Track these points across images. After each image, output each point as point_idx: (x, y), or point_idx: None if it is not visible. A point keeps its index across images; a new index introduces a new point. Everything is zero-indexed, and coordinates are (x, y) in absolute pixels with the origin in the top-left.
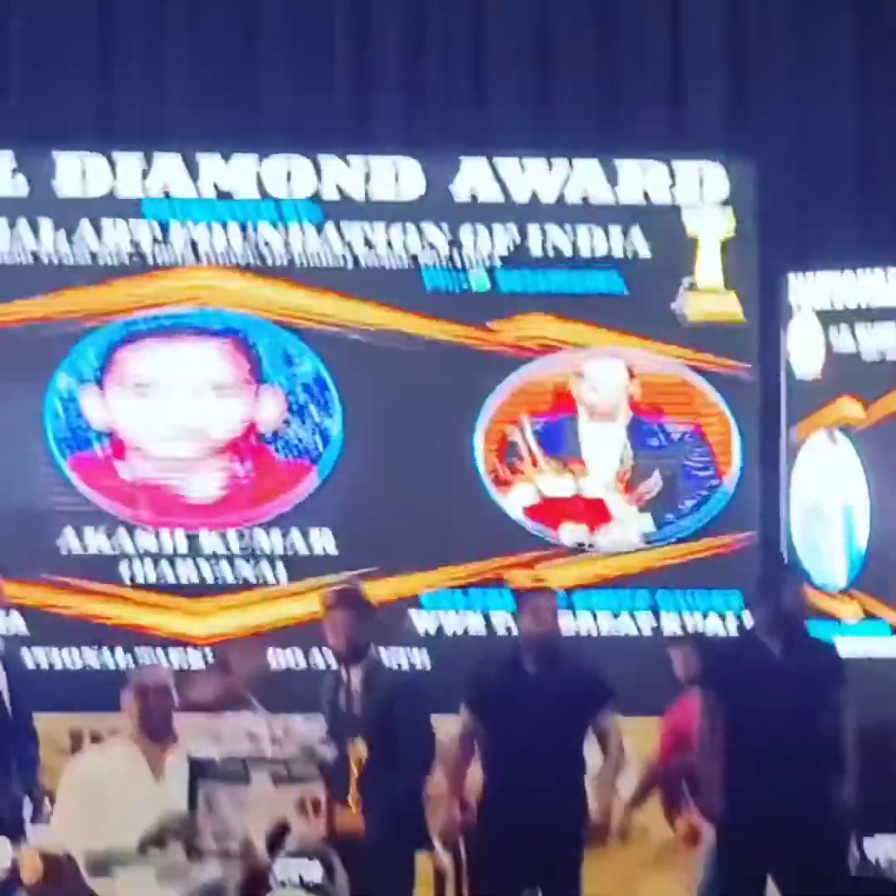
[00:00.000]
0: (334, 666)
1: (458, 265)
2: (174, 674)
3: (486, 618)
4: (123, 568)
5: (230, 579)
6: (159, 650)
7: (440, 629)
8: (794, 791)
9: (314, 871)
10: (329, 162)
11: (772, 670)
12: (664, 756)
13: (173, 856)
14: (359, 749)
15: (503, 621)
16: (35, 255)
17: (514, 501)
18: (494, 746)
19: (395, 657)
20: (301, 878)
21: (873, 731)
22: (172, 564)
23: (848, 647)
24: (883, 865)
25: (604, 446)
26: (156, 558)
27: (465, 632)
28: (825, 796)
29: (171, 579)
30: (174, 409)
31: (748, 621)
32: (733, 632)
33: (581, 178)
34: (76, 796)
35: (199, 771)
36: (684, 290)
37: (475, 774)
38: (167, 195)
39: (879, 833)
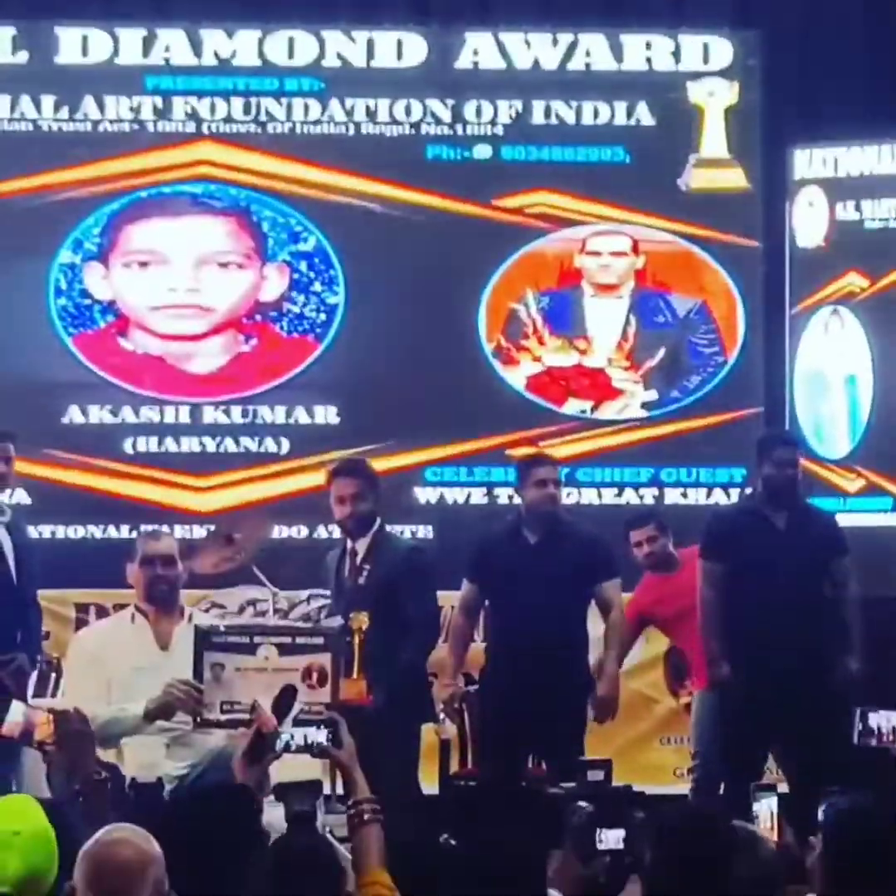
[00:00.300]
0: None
1: (461, 136)
2: (180, 546)
3: (490, 493)
4: (127, 443)
5: (234, 453)
6: (163, 525)
7: (443, 504)
8: (795, 662)
9: (320, 737)
10: (332, 35)
11: (773, 540)
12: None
13: (179, 725)
14: (361, 619)
15: (507, 497)
16: (36, 127)
17: (519, 377)
18: (497, 616)
19: (399, 531)
20: (307, 743)
21: (874, 603)
22: (176, 439)
23: (849, 519)
24: (885, 735)
25: (608, 321)
26: (159, 433)
27: (468, 504)
28: (827, 667)
29: (174, 454)
30: (178, 284)
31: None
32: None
33: (586, 51)
34: (83, 668)
35: (204, 642)
36: (691, 165)
37: (477, 645)
38: (169, 67)
39: (882, 708)
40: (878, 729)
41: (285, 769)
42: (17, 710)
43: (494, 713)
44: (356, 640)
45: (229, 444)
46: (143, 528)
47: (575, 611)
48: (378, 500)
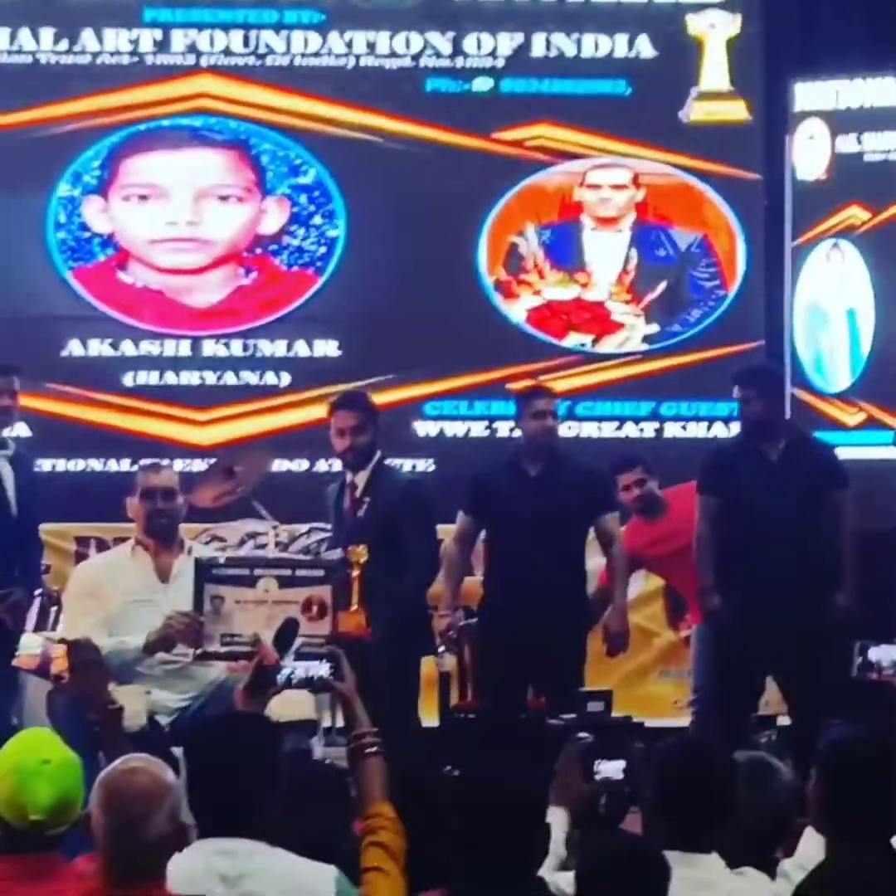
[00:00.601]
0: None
1: (461, 69)
2: (180, 479)
3: (490, 427)
4: (127, 376)
5: (234, 387)
6: (164, 459)
7: (443, 437)
8: (786, 594)
9: (323, 671)
10: None
11: (764, 472)
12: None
13: (179, 657)
14: (360, 552)
15: (507, 430)
16: (35, 60)
17: (519, 311)
18: (496, 548)
19: (399, 465)
20: (308, 677)
21: (873, 537)
22: (176, 372)
23: (849, 453)
24: (884, 669)
25: (608, 254)
26: (159, 366)
27: (468, 437)
28: (824, 599)
29: (174, 387)
30: (177, 218)
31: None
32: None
33: None
34: (82, 601)
35: (204, 574)
36: (692, 98)
37: (476, 579)
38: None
39: (883, 642)
40: (878, 663)
41: (279, 708)
42: (34, 642)
43: (493, 645)
44: (355, 572)
45: (229, 378)
46: (143, 461)
47: (574, 543)
48: (378, 433)
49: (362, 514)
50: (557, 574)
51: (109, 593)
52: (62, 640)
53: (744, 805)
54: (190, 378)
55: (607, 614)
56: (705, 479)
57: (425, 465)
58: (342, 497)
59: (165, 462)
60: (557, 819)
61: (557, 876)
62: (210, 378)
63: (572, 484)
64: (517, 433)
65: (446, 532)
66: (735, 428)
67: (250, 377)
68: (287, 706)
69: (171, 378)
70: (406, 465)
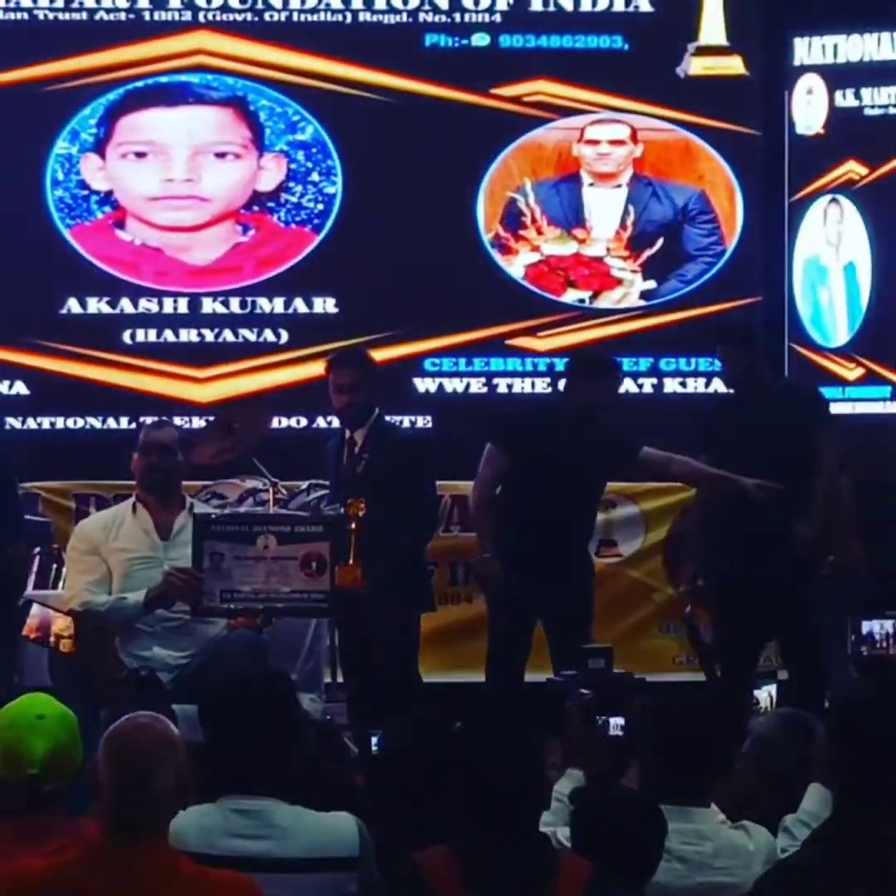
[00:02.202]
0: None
1: (459, 25)
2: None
3: (489, 383)
4: (126, 334)
5: (233, 344)
6: (162, 416)
7: (442, 393)
8: (766, 541)
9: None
10: None
11: (742, 421)
12: None
13: (179, 614)
14: (358, 506)
15: (506, 386)
16: (32, 17)
17: (517, 267)
18: (518, 494)
19: (397, 421)
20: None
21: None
22: (175, 330)
23: (848, 408)
24: (879, 641)
25: (607, 210)
26: (158, 324)
27: (467, 393)
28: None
29: (173, 345)
30: (175, 175)
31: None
32: None
33: None
34: (84, 557)
35: (204, 531)
36: (690, 53)
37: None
38: None
39: (879, 617)
40: (872, 635)
41: None
42: (33, 611)
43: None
44: (353, 526)
45: (228, 335)
46: (143, 419)
47: (595, 499)
48: (376, 390)
49: (360, 471)
50: (575, 528)
51: (110, 550)
52: (69, 612)
53: (783, 760)
54: (188, 335)
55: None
56: (700, 436)
57: (424, 421)
58: (341, 454)
59: (171, 420)
60: (572, 780)
61: (559, 829)
62: (208, 335)
63: (602, 441)
64: (526, 389)
65: (445, 488)
66: None
67: (248, 334)
68: None
69: (169, 335)
70: (405, 421)
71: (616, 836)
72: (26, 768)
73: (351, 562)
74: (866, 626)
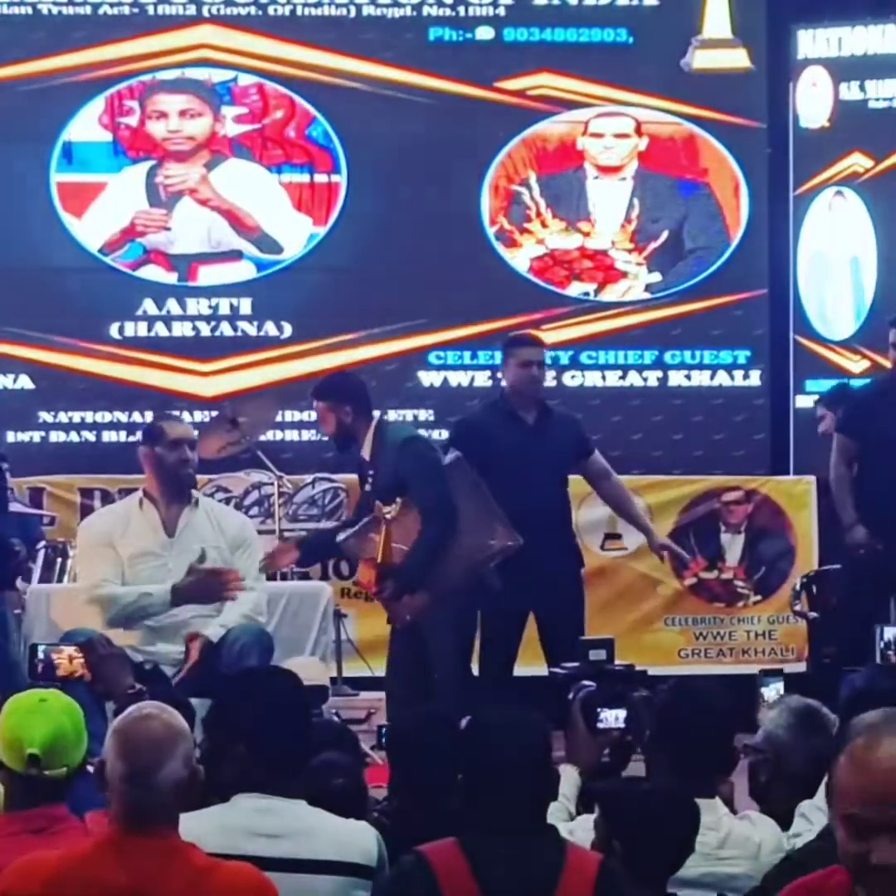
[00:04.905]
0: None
1: (463, 18)
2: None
3: (493, 376)
4: (130, 328)
5: (237, 338)
6: (168, 410)
7: (447, 387)
8: None
9: None
10: None
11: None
12: None
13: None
14: (386, 509)
15: None
16: (36, 10)
17: (522, 260)
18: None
19: (401, 415)
20: None
21: None
22: (181, 324)
23: None
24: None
25: (611, 203)
26: (163, 318)
27: (471, 387)
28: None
29: (177, 339)
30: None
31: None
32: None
33: None
34: (96, 550)
35: None
36: (694, 46)
37: None
38: None
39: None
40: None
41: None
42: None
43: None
44: (383, 528)
45: (232, 329)
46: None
47: (565, 489)
48: (358, 410)
49: (369, 488)
50: (557, 520)
51: (120, 544)
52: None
53: (795, 750)
54: (192, 329)
55: (650, 539)
56: (846, 422)
57: (427, 414)
58: (360, 470)
59: (178, 415)
60: (569, 777)
61: (572, 824)
62: (204, 331)
63: (564, 430)
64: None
65: None
66: (738, 376)
67: (252, 328)
68: (299, 671)
69: (174, 329)
70: (408, 414)
71: (651, 832)
72: (26, 747)
73: (378, 559)
74: (888, 633)
